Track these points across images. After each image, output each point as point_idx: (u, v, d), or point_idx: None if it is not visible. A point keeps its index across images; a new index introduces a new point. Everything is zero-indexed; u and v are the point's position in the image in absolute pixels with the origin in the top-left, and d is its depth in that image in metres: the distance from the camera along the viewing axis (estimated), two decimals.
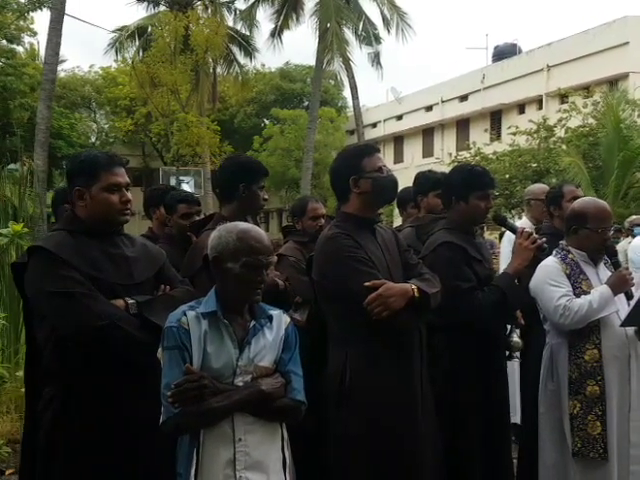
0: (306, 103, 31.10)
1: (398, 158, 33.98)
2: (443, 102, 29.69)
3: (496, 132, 23.70)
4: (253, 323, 2.27)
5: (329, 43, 21.21)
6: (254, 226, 2.33)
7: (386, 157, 35.01)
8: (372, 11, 23.89)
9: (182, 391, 2.09)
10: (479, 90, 27.25)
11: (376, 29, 23.48)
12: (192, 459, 2.14)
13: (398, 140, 33.89)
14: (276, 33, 23.53)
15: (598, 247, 3.27)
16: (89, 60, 63.69)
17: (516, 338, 3.10)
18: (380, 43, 23.73)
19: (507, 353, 3.17)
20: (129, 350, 2.29)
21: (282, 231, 4.34)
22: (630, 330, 3.20)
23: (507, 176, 18.04)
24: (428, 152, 31.00)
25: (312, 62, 23.60)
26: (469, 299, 2.96)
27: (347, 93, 28.44)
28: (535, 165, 17.59)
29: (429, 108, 30.90)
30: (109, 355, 2.28)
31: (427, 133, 31.66)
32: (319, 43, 22.07)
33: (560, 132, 17.65)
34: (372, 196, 2.74)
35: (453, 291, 2.89)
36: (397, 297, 2.54)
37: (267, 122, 33.21)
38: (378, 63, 23.88)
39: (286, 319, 2.37)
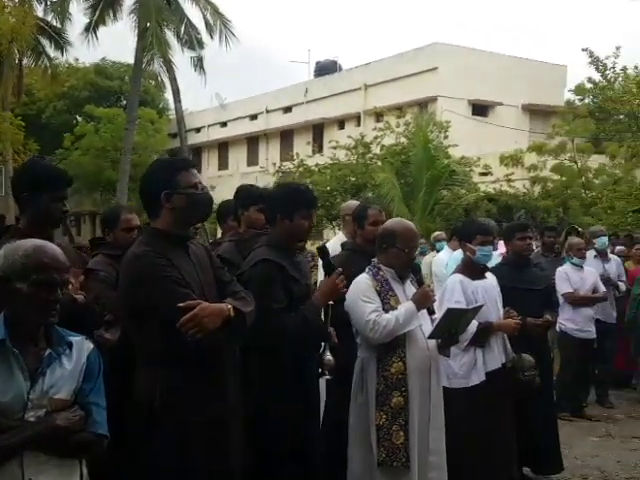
0: (124, 102, 29.89)
1: (223, 165, 33.89)
2: (268, 112, 30.15)
3: (318, 145, 24.52)
4: (49, 351, 2.08)
5: (149, 43, 20.54)
6: (46, 242, 2.14)
7: (210, 163, 34.78)
8: (195, 15, 23.58)
9: None
10: (302, 103, 28.07)
11: (199, 34, 23.24)
12: None
13: (223, 147, 33.82)
14: (91, 28, 22.40)
15: (405, 265, 3.48)
16: None
17: (329, 356, 3.15)
18: (203, 48, 23.46)
19: (320, 371, 3.21)
20: None
21: (90, 244, 4.05)
22: (432, 343, 3.42)
23: (328, 188, 18.73)
24: (253, 160, 31.28)
25: (132, 60, 22.73)
26: (276, 321, 2.97)
27: (169, 95, 27.73)
28: (354, 179, 18.46)
29: (254, 117, 31.21)
30: None
31: (252, 142, 31.94)
32: (138, 42, 21.30)
33: (376, 149, 18.70)
34: (185, 213, 2.63)
35: (264, 311, 2.88)
36: (212, 317, 2.47)
37: (80, 119, 31.42)
38: (201, 68, 23.58)
39: (89, 345, 2.20)
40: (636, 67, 13.48)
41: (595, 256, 6.96)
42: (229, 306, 2.55)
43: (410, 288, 3.49)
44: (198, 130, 33.87)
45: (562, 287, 6.08)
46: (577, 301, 6.21)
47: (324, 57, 29.87)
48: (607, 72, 13.44)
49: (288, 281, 3.10)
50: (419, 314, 3.36)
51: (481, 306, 3.74)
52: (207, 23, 22.63)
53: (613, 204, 13.99)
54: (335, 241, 5.19)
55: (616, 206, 13.85)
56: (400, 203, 15.85)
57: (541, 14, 69.25)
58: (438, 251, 8.41)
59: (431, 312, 3.43)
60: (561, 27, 70.82)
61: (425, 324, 3.41)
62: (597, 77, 13.86)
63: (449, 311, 3.44)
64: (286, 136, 29.84)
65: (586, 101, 18.95)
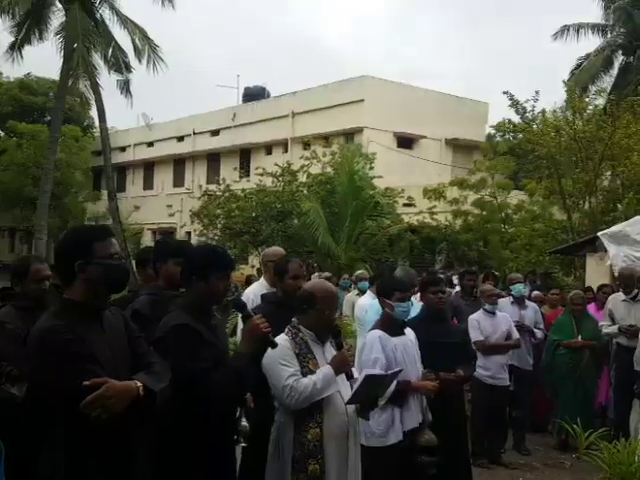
0: (48, 118, 29.10)
1: (148, 185, 33.30)
2: (195, 134, 29.89)
3: (245, 170, 24.45)
4: None
5: (75, 65, 20.07)
6: None
7: (135, 183, 34.09)
8: (123, 39, 23.29)
9: None
10: (230, 127, 27.98)
11: (127, 57, 22.90)
12: None
13: (148, 166, 33.27)
14: (16, 47, 21.91)
15: (325, 327, 3.46)
16: None
17: (244, 422, 3.10)
18: (130, 72, 23.17)
19: (235, 437, 3.14)
20: None
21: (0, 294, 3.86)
22: (350, 408, 3.40)
23: (254, 214, 18.65)
24: (179, 182, 30.90)
25: (57, 76, 22.15)
26: (207, 380, 2.89)
27: (94, 112, 27.13)
28: (280, 206, 18.46)
29: (181, 138, 30.90)
30: None
31: (178, 163, 31.57)
32: (64, 63, 20.81)
33: (302, 177, 18.80)
34: (100, 284, 2.54)
35: (190, 374, 2.80)
36: (118, 398, 2.36)
37: (2, 134, 30.50)
38: (127, 91, 23.23)
39: None
40: (554, 111, 14.13)
41: (512, 302, 7.01)
42: (139, 384, 2.45)
43: (330, 351, 3.46)
44: (123, 149, 33.26)
45: (473, 335, 6.00)
46: (488, 350, 6.16)
47: (252, 83, 30.01)
48: (526, 114, 14.06)
49: (204, 346, 3.03)
50: (337, 378, 3.34)
51: (400, 371, 3.76)
52: (136, 47, 22.44)
53: (531, 241, 14.54)
54: (257, 287, 5.14)
55: (534, 243, 14.40)
56: (325, 232, 15.98)
57: (466, 52, 72.11)
58: (360, 290, 8.49)
59: (350, 376, 3.42)
60: (485, 64, 73.97)
61: (344, 388, 3.39)
62: (517, 119, 14.49)
63: (367, 377, 3.43)
64: (213, 159, 29.65)
65: (506, 136, 19.77)
